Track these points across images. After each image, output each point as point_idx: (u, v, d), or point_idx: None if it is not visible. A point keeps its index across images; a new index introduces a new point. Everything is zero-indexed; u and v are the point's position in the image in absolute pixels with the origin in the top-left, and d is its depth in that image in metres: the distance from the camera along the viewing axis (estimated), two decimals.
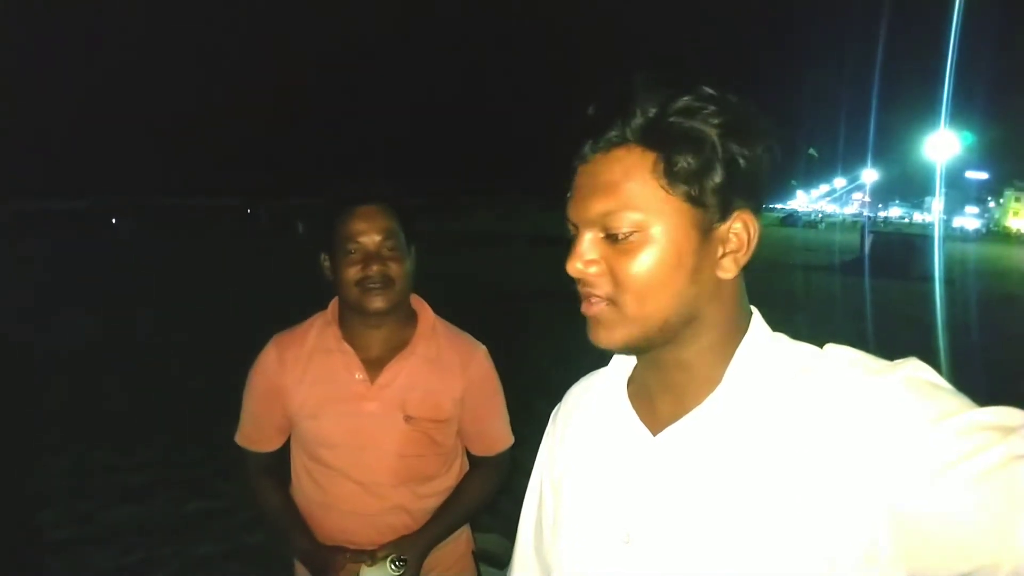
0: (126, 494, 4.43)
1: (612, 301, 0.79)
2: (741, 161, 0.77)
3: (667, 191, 0.77)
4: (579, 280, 0.81)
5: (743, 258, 0.81)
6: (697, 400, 0.82)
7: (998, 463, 0.63)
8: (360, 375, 1.69)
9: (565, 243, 0.83)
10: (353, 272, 1.62)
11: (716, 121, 0.76)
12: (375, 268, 1.61)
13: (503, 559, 2.02)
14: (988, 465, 0.63)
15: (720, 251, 0.80)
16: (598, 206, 0.78)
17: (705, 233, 0.78)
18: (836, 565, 0.69)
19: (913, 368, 0.73)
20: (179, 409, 5.98)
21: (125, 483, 4.59)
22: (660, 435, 0.83)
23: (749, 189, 0.79)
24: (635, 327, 0.79)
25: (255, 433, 1.79)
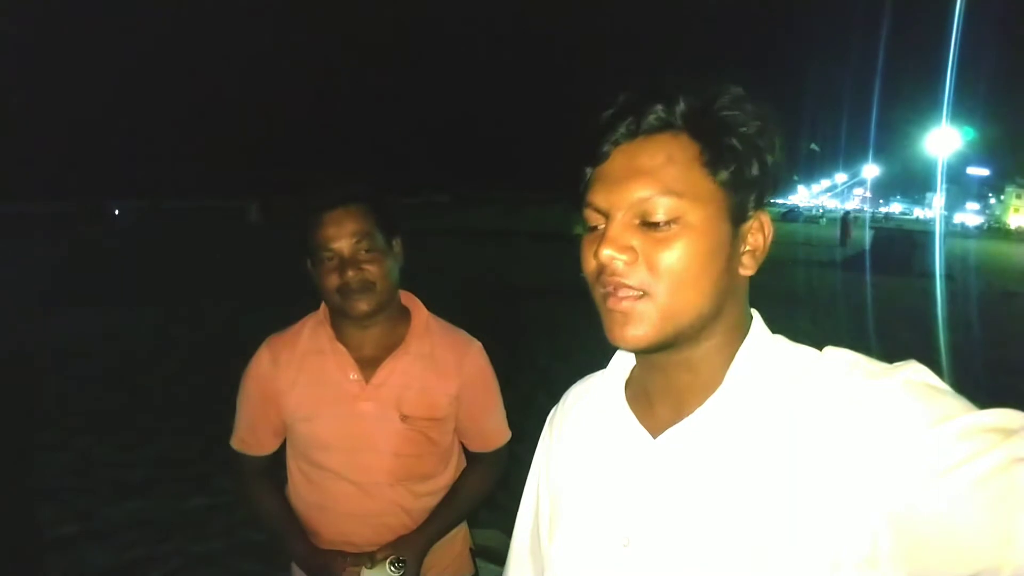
0: (127, 490, 4.43)
1: (644, 292, 0.76)
2: (769, 159, 0.78)
3: (710, 181, 0.76)
4: (606, 269, 0.77)
5: (761, 256, 0.82)
6: (697, 403, 0.81)
7: (999, 466, 0.62)
8: (354, 375, 1.67)
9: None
10: (332, 280, 1.59)
11: (753, 117, 0.77)
12: (351, 274, 1.57)
13: (503, 555, 2.01)
14: (989, 468, 0.62)
15: (743, 247, 0.80)
16: (638, 190, 0.76)
17: (736, 227, 0.79)
18: (837, 568, 0.68)
19: (912, 371, 0.72)
20: (179, 404, 5.98)
21: (125, 479, 4.59)
22: (660, 438, 0.82)
23: (772, 187, 0.80)
24: (668, 323, 0.77)
25: (250, 437, 1.77)
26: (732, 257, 0.79)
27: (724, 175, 0.76)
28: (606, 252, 0.76)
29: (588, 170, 0.81)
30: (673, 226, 0.75)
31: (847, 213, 41.12)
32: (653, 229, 0.76)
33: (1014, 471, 0.62)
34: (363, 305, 1.60)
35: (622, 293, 0.77)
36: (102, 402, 6.13)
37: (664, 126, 0.77)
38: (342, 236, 1.58)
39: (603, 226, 0.79)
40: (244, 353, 1.79)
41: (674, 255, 0.75)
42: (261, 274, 13.91)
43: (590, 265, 0.80)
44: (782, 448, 0.74)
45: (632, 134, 0.77)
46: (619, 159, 0.78)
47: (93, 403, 6.10)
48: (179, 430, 5.37)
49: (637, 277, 0.76)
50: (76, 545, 3.80)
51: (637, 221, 0.77)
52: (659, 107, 0.76)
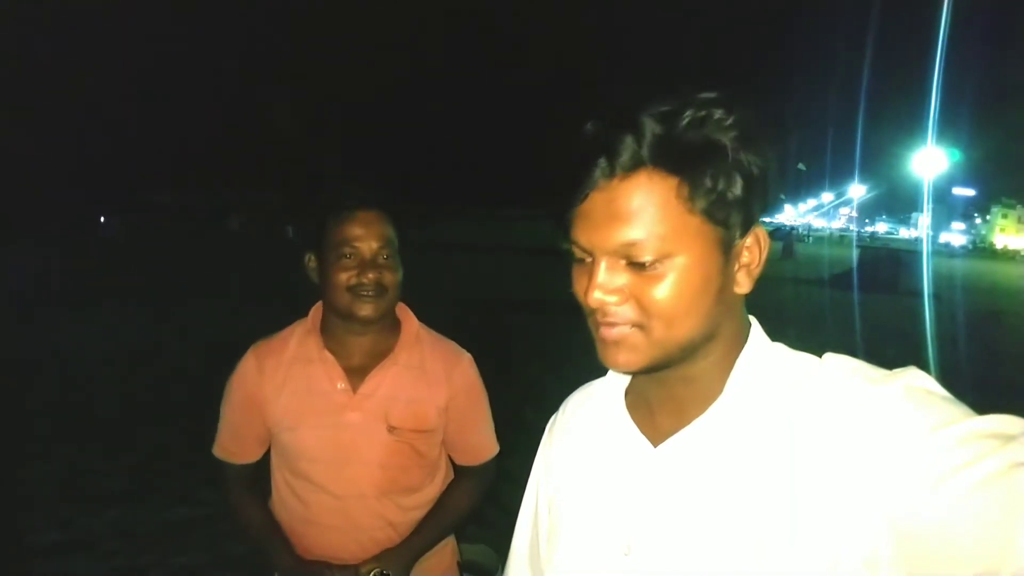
0: (110, 499, 4.38)
1: (637, 326, 0.77)
2: (755, 170, 0.75)
3: (691, 214, 0.74)
4: (597, 310, 0.78)
5: (756, 271, 0.81)
6: (698, 411, 0.81)
7: (998, 471, 0.63)
8: (342, 384, 1.66)
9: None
10: (346, 277, 1.59)
11: (728, 130, 0.74)
12: (371, 276, 1.58)
13: (490, 570, 2.01)
14: (988, 472, 0.63)
15: (736, 266, 0.79)
16: (620, 235, 0.74)
17: (727, 251, 0.78)
18: (837, 572, 0.69)
19: (912, 377, 0.73)
20: (164, 412, 5.93)
21: (109, 488, 4.55)
22: (661, 446, 0.83)
23: (762, 200, 0.78)
24: (659, 350, 0.78)
25: (233, 445, 1.75)
26: (725, 282, 0.78)
27: (705, 204, 0.74)
28: (595, 296, 0.76)
29: (570, 205, 0.79)
30: (659, 266, 0.75)
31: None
32: (640, 269, 0.75)
33: (1013, 476, 0.62)
34: (369, 309, 1.60)
35: (616, 329, 0.78)
36: (85, 409, 6.08)
37: (637, 163, 0.74)
38: (369, 237, 1.60)
39: (588, 261, 0.79)
40: (231, 360, 1.77)
41: (663, 293, 0.75)
42: (245, 280, 13.86)
43: (581, 297, 0.80)
44: (783, 455, 0.75)
45: (607, 175, 0.75)
46: (598, 201, 0.76)
47: (77, 410, 6.04)
48: (163, 439, 5.32)
49: (628, 314, 0.77)
50: (58, 554, 3.75)
51: (623, 262, 0.76)
52: (628, 140, 0.73)
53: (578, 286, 0.80)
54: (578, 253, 0.80)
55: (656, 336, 0.77)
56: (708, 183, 0.73)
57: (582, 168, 0.76)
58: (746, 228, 0.78)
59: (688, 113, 0.73)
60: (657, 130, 0.73)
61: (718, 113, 0.74)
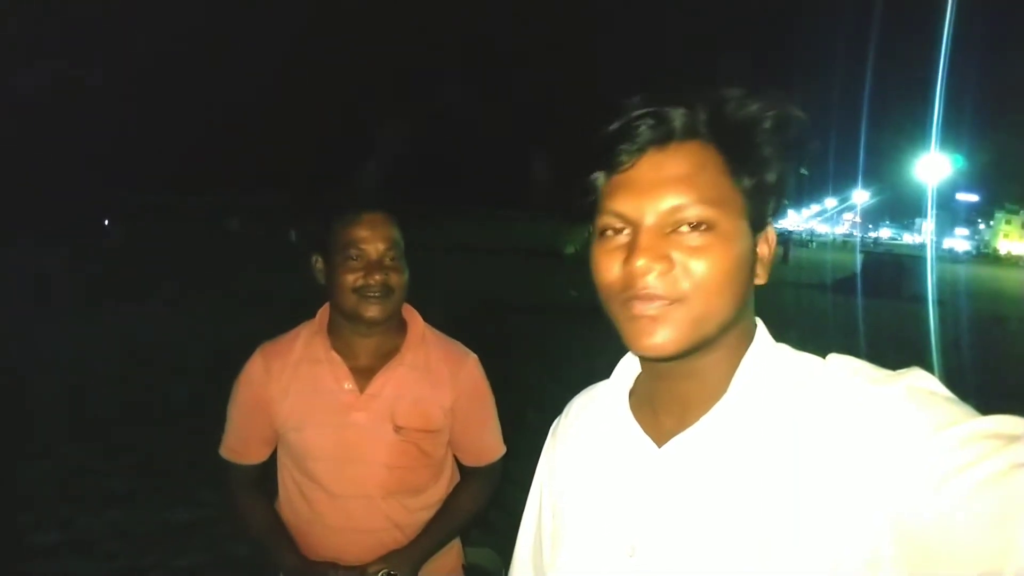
0: (110, 500, 4.38)
1: (676, 301, 0.75)
2: (786, 165, 0.78)
3: (735, 189, 0.77)
4: (637, 281, 0.75)
5: (769, 265, 0.83)
6: (702, 411, 0.81)
7: (1000, 471, 0.62)
8: (349, 385, 1.66)
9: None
10: (352, 278, 1.60)
11: (768, 120, 0.77)
12: (377, 277, 1.60)
13: (494, 573, 2.00)
14: (990, 473, 0.62)
15: (755, 255, 0.81)
16: (671, 199, 0.75)
17: (755, 236, 0.80)
18: (839, 572, 0.68)
19: (916, 378, 0.73)
20: (165, 413, 5.93)
21: (109, 488, 4.54)
22: (665, 447, 0.82)
23: (790, 194, 0.81)
24: (696, 329, 0.76)
25: (240, 445, 1.76)
26: (751, 266, 0.80)
27: (748, 183, 0.77)
28: (641, 263, 0.74)
29: (600, 177, 0.80)
30: (707, 235, 0.75)
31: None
32: (686, 238, 0.75)
33: (1016, 476, 0.62)
34: (376, 311, 1.61)
35: (654, 304, 0.75)
36: (86, 410, 6.08)
37: (690, 133, 0.76)
38: (377, 239, 1.61)
39: (625, 235, 0.78)
40: (231, 360, 1.77)
41: (708, 264, 0.75)
42: (248, 282, 13.87)
43: (611, 275, 0.78)
44: (786, 455, 0.74)
45: (660, 140, 0.76)
46: (647, 166, 0.76)
47: (77, 410, 6.04)
48: (164, 440, 5.31)
49: (669, 287, 0.75)
50: (57, 554, 3.75)
51: (668, 230, 0.75)
52: (681, 112, 0.76)
53: (605, 264, 0.79)
54: (612, 225, 0.78)
55: (696, 311, 0.75)
56: (754, 162, 0.77)
57: (629, 133, 0.76)
58: (773, 214, 0.81)
59: (734, 100, 0.77)
60: (708, 107, 0.77)
61: (759, 105, 0.77)
